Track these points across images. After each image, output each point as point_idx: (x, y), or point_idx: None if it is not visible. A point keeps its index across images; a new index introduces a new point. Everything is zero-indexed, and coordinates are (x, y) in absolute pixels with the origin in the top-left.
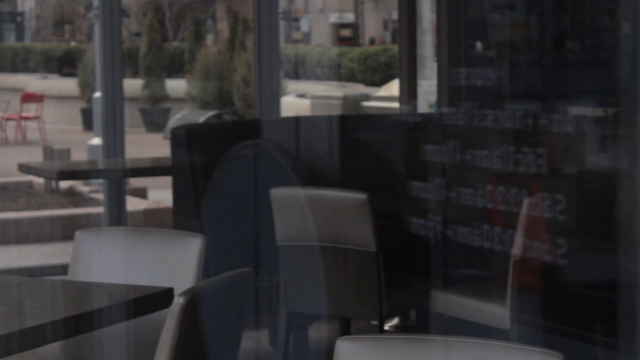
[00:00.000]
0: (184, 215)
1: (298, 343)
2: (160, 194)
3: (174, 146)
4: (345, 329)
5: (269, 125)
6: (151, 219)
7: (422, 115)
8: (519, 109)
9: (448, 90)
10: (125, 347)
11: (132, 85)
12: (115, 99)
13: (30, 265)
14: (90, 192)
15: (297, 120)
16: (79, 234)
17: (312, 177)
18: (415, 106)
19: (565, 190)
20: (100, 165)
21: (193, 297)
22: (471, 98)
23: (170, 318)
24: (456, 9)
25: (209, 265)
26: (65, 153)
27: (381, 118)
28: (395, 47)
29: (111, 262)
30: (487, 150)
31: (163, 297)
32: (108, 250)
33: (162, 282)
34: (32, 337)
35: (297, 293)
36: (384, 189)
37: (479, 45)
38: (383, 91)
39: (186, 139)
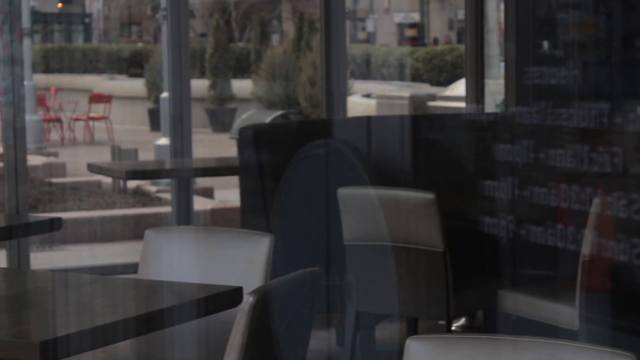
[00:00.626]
0: (251, 215)
1: (365, 342)
2: (227, 193)
3: (241, 146)
4: (413, 329)
5: (338, 125)
6: (218, 219)
7: (495, 114)
8: (594, 108)
9: (518, 89)
10: (195, 346)
11: (199, 85)
12: (182, 100)
13: (99, 264)
14: (158, 191)
15: (368, 120)
16: (148, 233)
17: (383, 176)
18: (483, 106)
19: None
20: (168, 165)
21: (263, 296)
22: (543, 97)
23: (240, 316)
24: (524, 9)
25: (277, 264)
26: (133, 153)
27: (452, 117)
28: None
29: (180, 260)
30: (561, 149)
31: (232, 295)
32: (177, 249)
33: (231, 281)
34: (104, 335)
35: (365, 292)
36: (455, 188)
37: (545, 44)
38: (449, 91)
39: (253, 139)
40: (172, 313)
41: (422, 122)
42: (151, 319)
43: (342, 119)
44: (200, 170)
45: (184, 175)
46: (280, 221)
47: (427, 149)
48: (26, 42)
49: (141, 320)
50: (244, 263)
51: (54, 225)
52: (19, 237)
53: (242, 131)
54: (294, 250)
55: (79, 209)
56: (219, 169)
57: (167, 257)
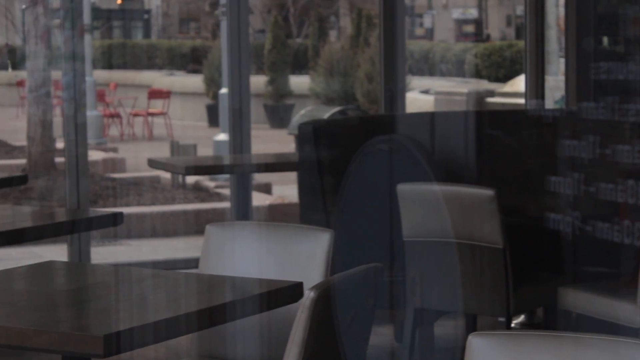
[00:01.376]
0: (310, 211)
1: (424, 339)
2: (285, 189)
3: (301, 142)
4: (472, 326)
5: (398, 121)
6: (276, 215)
7: (560, 110)
8: None
9: (580, 84)
10: (256, 341)
11: (257, 81)
12: (241, 95)
13: (159, 259)
14: (216, 187)
15: (431, 115)
16: (209, 228)
17: (446, 172)
18: (543, 102)
19: None
20: (227, 161)
21: (325, 291)
22: (608, 92)
23: (301, 312)
24: (585, 5)
25: (338, 260)
26: (192, 149)
27: (516, 113)
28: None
29: (241, 255)
30: (628, 145)
31: (292, 291)
32: (238, 244)
33: (291, 276)
34: (166, 330)
35: (425, 289)
36: (519, 184)
37: (605, 40)
38: (508, 87)
39: (313, 135)
40: (233, 308)
41: (486, 117)
42: (213, 313)
43: (402, 115)
44: (259, 166)
45: (243, 171)
46: (342, 217)
47: (491, 144)
48: (87, 38)
49: (203, 315)
50: (304, 258)
51: (116, 219)
52: (81, 232)
53: (301, 127)
54: (356, 246)
55: (139, 204)
56: (278, 165)
57: (228, 252)
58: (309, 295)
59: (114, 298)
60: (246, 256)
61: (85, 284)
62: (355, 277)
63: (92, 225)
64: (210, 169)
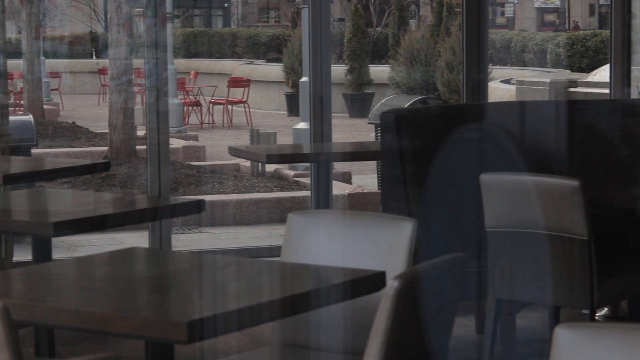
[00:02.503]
0: (391, 200)
1: (505, 330)
2: (364, 178)
3: (383, 131)
4: (555, 318)
5: (482, 110)
6: (355, 204)
7: None
8: None
9: None
10: (339, 330)
11: (336, 70)
12: (322, 84)
13: (238, 246)
14: (296, 176)
15: (521, 104)
16: (292, 216)
17: (537, 162)
18: (629, 92)
19: None
20: (307, 150)
21: (409, 281)
22: None
23: (384, 301)
24: None
25: (422, 249)
26: (272, 137)
27: (607, 103)
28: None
29: (323, 244)
30: None
31: (375, 280)
32: (320, 233)
33: (373, 266)
34: (249, 317)
35: (508, 280)
36: (609, 174)
37: None
38: (591, 77)
39: (395, 124)
40: (315, 296)
41: (577, 107)
42: (295, 302)
43: (486, 104)
44: (340, 155)
45: (324, 159)
46: (426, 206)
47: (580, 134)
48: (168, 26)
49: (285, 303)
50: (387, 247)
51: (199, 207)
52: (164, 219)
53: (384, 116)
54: (439, 235)
55: (218, 192)
56: (358, 154)
57: (310, 241)
58: (393, 284)
59: (197, 285)
60: (328, 245)
61: (168, 270)
62: (442, 266)
63: (175, 212)
64: (291, 157)
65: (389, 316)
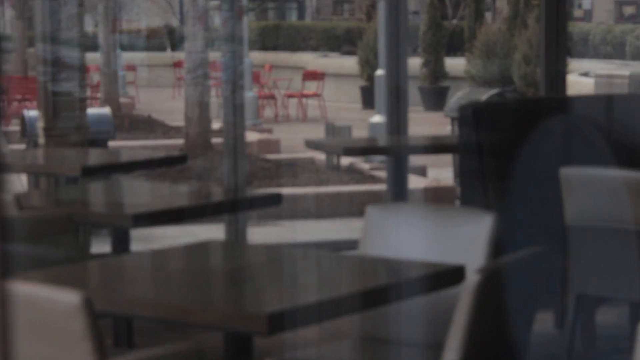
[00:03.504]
0: (470, 193)
1: (585, 326)
2: (440, 172)
3: (461, 124)
4: (636, 314)
5: (564, 103)
6: (431, 197)
7: None
8: None
9: None
10: (417, 323)
11: (411, 63)
12: (399, 77)
13: (313, 240)
14: (371, 169)
15: (610, 98)
16: (370, 209)
17: (626, 157)
18: None
19: None
20: (384, 143)
21: (490, 275)
22: None
23: (465, 295)
24: None
25: (503, 242)
26: (347, 130)
27: None
28: None
29: (402, 237)
30: None
31: (454, 273)
32: (399, 226)
33: (452, 259)
34: (329, 310)
35: (589, 275)
36: None
37: None
38: None
39: (474, 117)
40: (395, 290)
41: None
42: (375, 295)
43: (569, 97)
44: (418, 148)
45: (400, 152)
46: (508, 199)
47: None
48: (244, 20)
49: (365, 297)
50: (466, 241)
51: (276, 200)
52: (241, 212)
53: (462, 109)
54: (521, 229)
55: (293, 185)
56: (435, 147)
57: (388, 234)
58: (474, 278)
59: (276, 278)
60: (407, 238)
61: (247, 263)
62: (523, 261)
63: (253, 205)
64: (368, 150)
65: (470, 310)
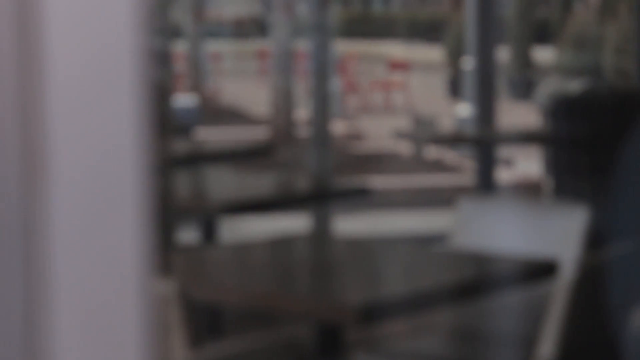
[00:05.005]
0: (561, 186)
1: None
2: (528, 164)
3: (553, 115)
4: None
5: None
6: (519, 190)
7: None
8: None
9: None
10: (510, 317)
11: (499, 54)
12: (488, 67)
13: (400, 231)
14: (457, 160)
15: None
16: (461, 202)
17: None
18: None
19: None
20: (471, 133)
21: (586, 270)
22: None
23: (559, 289)
24: None
25: (598, 235)
26: (433, 120)
27: None
28: None
29: (493, 230)
30: None
31: (547, 268)
32: (490, 219)
33: (544, 252)
34: (420, 303)
35: None
36: None
37: None
38: None
39: (567, 109)
40: (487, 283)
41: None
42: (466, 288)
43: None
44: (506, 140)
45: (490, 144)
46: (603, 192)
47: None
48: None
49: (457, 290)
50: (559, 235)
51: (363, 191)
52: (328, 202)
53: (554, 100)
54: (622, 222)
55: (379, 176)
56: (525, 139)
57: (479, 226)
58: (568, 272)
59: (365, 269)
60: (498, 231)
61: (335, 254)
62: (624, 254)
63: (341, 196)
64: (456, 140)
65: (564, 305)
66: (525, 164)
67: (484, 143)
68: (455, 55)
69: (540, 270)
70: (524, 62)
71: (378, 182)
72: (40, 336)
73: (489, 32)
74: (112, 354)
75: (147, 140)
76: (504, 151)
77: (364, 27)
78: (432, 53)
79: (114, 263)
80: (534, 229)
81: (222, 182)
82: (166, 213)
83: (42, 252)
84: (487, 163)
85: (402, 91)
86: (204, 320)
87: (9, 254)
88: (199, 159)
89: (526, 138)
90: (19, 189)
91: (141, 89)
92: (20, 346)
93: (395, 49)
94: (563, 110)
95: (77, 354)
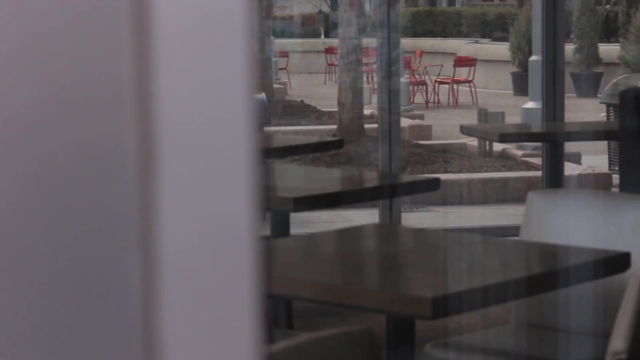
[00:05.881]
0: (631, 180)
1: None
2: (594, 159)
3: (622, 110)
4: None
5: None
6: (586, 184)
7: None
8: None
9: None
10: (580, 310)
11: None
12: (556, 63)
13: (468, 225)
14: (524, 155)
15: None
16: (532, 196)
17: None
18: None
19: None
20: (539, 129)
21: None
22: None
23: (633, 282)
24: None
25: None
26: (500, 116)
27: None
28: None
29: (564, 223)
30: None
31: (619, 261)
32: (561, 212)
33: (616, 246)
34: (494, 295)
35: None
36: None
37: None
38: None
39: (636, 104)
40: (559, 276)
41: None
42: (540, 281)
43: None
44: (574, 135)
45: (558, 139)
46: None
47: None
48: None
49: (529, 283)
50: (631, 228)
51: (434, 185)
52: (399, 196)
53: (623, 95)
54: None
55: (446, 171)
56: (593, 134)
57: (551, 220)
58: None
59: (436, 262)
60: (569, 224)
61: (405, 247)
62: None
63: (411, 190)
64: (525, 136)
65: (638, 298)
66: (592, 159)
67: (553, 138)
68: (521, 50)
69: (613, 263)
70: (591, 58)
71: (446, 176)
72: (154, 320)
73: (556, 28)
74: (225, 340)
75: (256, 125)
76: (570, 146)
77: (431, 23)
78: (499, 49)
79: (227, 249)
80: (606, 221)
81: (293, 176)
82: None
83: (156, 240)
84: (555, 158)
85: (468, 86)
86: (274, 313)
87: (126, 243)
88: (269, 153)
89: (594, 133)
90: (134, 168)
91: (251, 71)
92: (138, 331)
93: (462, 45)
94: (633, 104)
95: (191, 340)
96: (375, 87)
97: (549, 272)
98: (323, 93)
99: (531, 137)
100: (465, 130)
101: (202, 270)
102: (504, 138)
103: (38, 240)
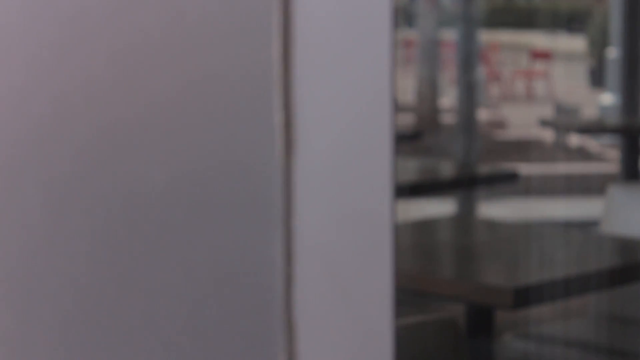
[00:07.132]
0: None
1: None
2: None
3: None
4: None
5: None
6: None
7: None
8: None
9: None
10: None
11: None
12: (633, 57)
13: (544, 218)
14: (601, 148)
15: None
16: (613, 189)
17: None
18: None
19: None
20: (617, 122)
21: None
22: None
23: None
24: None
25: None
26: (576, 109)
27: None
28: None
29: None
30: None
31: None
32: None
33: None
34: (575, 287)
35: None
36: None
37: None
38: None
39: None
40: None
41: None
42: (623, 273)
43: None
44: None
45: (633, 132)
46: None
47: None
48: None
49: (611, 275)
50: None
51: (512, 177)
52: (477, 188)
53: None
54: None
55: (522, 164)
56: None
57: (632, 213)
58: None
59: (516, 253)
60: None
61: (484, 238)
62: None
63: (489, 182)
64: (603, 129)
65: None
66: None
67: (629, 132)
68: (598, 44)
69: None
70: None
71: (522, 168)
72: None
73: (634, 22)
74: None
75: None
76: None
77: (508, 17)
78: (575, 42)
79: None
80: None
81: None
82: None
83: (296, 220)
84: (633, 151)
85: (544, 80)
86: None
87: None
88: None
89: None
90: (279, 152)
91: (391, 56)
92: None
93: (538, 39)
94: None
95: (325, 321)
96: (453, 79)
97: (630, 265)
98: (400, 85)
99: (610, 130)
100: (544, 122)
101: (338, 252)
102: (583, 131)
103: (194, 218)
